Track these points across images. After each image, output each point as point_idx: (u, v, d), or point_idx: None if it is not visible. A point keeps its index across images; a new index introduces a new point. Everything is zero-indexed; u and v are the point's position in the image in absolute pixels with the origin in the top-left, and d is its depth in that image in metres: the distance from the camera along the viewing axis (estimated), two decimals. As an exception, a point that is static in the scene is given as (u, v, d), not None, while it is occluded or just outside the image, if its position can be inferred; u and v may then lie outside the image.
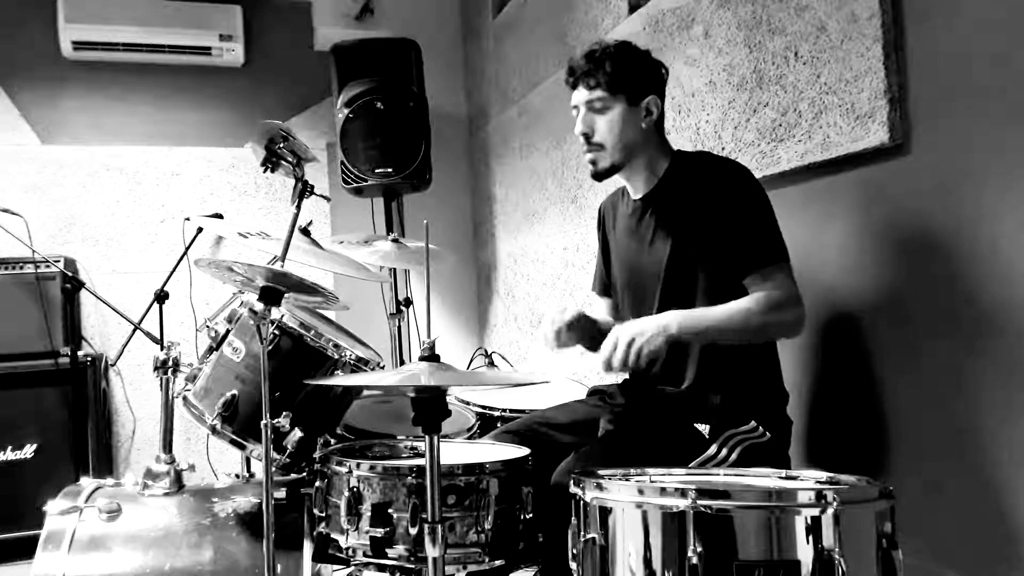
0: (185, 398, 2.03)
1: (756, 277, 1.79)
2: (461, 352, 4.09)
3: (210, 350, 2.04)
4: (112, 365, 3.72)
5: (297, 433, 1.93)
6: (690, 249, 1.87)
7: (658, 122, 1.96)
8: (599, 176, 1.96)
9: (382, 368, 2.08)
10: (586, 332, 1.99)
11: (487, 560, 1.67)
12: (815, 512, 1.20)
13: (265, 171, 2.06)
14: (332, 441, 2.03)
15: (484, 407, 2.44)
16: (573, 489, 1.40)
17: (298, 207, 2.00)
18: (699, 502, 1.21)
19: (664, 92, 1.98)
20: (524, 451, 1.82)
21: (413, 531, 1.61)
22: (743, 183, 1.84)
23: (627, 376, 2.08)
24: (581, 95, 1.92)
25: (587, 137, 1.92)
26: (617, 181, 2.03)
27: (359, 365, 1.97)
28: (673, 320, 1.74)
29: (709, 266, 1.85)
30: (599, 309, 2.22)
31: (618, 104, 1.90)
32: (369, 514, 1.65)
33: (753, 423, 1.80)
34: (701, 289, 1.86)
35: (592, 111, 1.91)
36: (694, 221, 1.86)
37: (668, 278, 1.90)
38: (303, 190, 2.02)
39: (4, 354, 3.27)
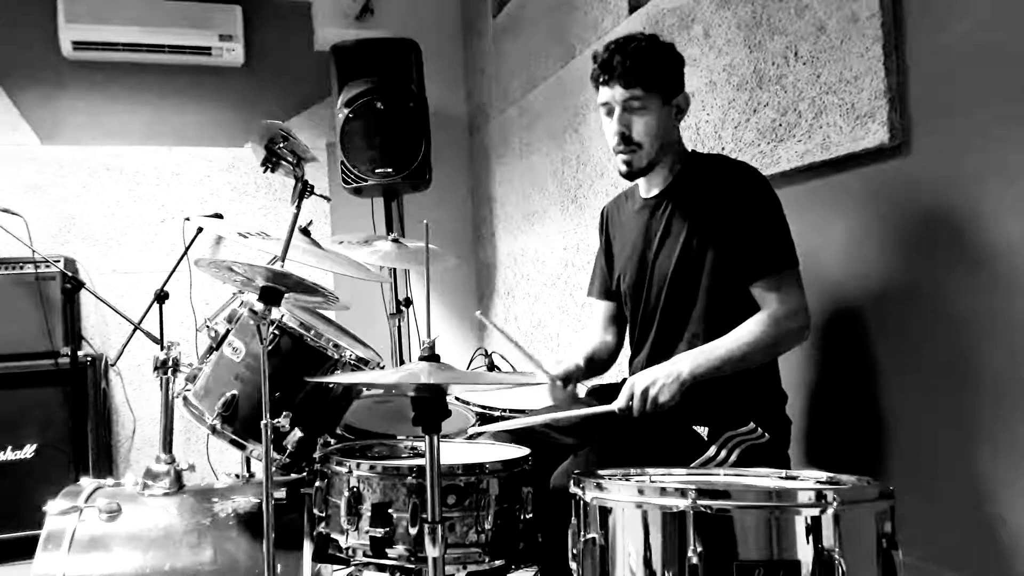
0: (185, 398, 2.03)
1: (765, 283, 1.80)
2: (461, 352, 4.08)
3: (210, 350, 2.03)
4: (112, 365, 3.72)
5: (297, 433, 1.92)
6: (700, 250, 1.86)
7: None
8: (633, 175, 1.93)
9: (382, 368, 2.08)
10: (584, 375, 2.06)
11: (487, 560, 1.68)
12: (815, 512, 1.21)
13: (265, 171, 2.06)
14: (332, 441, 2.03)
15: (484, 407, 2.43)
16: (573, 489, 1.39)
17: (298, 207, 2.00)
18: (699, 502, 1.21)
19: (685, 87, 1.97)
20: (524, 451, 1.82)
21: (413, 531, 1.61)
22: (757, 187, 1.84)
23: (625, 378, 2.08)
24: (617, 93, 1.85)
25: (624, 137, 1.87)
26: (619, 185, 2.03)
27: (359, 365, 1.97)
28: (685, 365, 1.76)
29: (716, 269, 1.85)
30: (596, 314, 2.21)
31: (654, 103, 1.86)
32: (369, 514, 1.66)
33: (752, 424, 1.79)
34: (702, 292, 1.87)
35: (628, 110, 1.86)
36: (707, 222, 1.86)
37: (674, 278, 1.90)
38: (303, 190, 2.02)
39: (4, 354, 3.27)
